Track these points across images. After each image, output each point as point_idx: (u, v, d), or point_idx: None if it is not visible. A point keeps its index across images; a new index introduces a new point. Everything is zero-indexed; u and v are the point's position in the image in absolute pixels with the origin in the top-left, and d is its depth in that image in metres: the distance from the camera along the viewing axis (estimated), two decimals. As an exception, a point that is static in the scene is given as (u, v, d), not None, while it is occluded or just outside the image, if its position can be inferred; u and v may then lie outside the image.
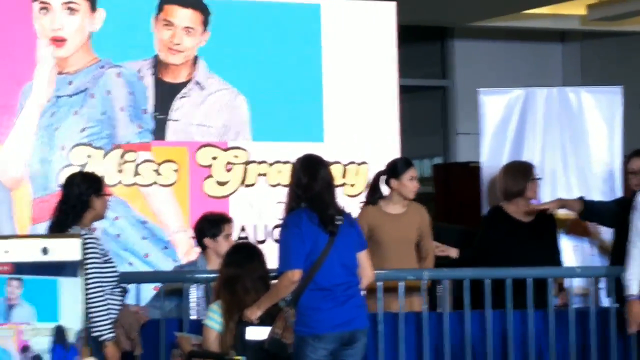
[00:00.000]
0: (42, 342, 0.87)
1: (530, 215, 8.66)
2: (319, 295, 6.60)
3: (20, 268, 0.90)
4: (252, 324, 6.59)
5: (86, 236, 6.53)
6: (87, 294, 6.76)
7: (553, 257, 8.70)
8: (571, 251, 9.52)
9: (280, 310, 6.61)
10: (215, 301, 6.89)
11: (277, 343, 6.51)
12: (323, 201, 6.60)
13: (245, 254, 6.93)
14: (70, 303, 0.88)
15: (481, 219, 9.32)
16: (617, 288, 8.07)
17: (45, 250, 0.90)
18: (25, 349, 0.86)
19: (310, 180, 6.56)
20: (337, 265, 6.64)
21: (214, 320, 6.72)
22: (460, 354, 8.18)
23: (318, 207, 6.57)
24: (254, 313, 6.43)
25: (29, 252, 0.90)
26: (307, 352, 6.59)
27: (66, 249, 0.90)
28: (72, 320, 0.88)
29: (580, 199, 8.83)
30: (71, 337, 0.91)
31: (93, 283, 6.47)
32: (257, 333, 6.55)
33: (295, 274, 6.45)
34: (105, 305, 6.65)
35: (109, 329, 6.65)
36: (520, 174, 8.56)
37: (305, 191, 6.54)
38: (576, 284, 9.00)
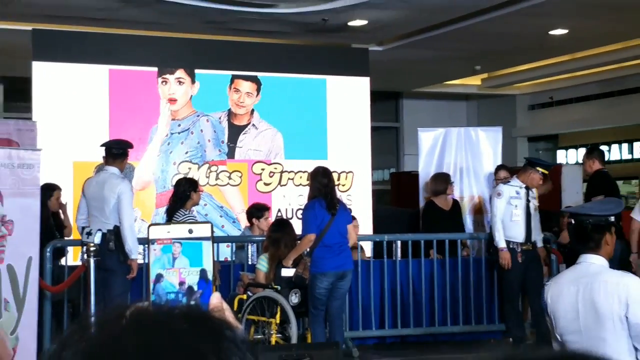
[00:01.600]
0: (192, 279, 1.18)
1: (448, 205, 10.05)
2: (325, 250, 7.80)
3: (177, 240, 1.36)
4: (285, 267, 7.90)
5: (187, 214, 7.94)
6: None
7: (460, 228, 10.10)
8: (471, 223, 10.88)
9: (302, 258, 7.84)
10: (263, 253, 8.16)
11: (299, 278, 7.84)
12: (331, 194, 7.86)
13: (283, 224, 8.39)
14: (208, 256, 1.25)
15: (418, 206, 10.68)
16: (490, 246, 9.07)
17: (190, 231, 1.25)
18: (182, 283, 1.26)
19: (328, 181, 7.87)
20: (336, 232, 7.82)
21: (263, 265, 8.07)
22: (406, 284, 9.40)
23: (327, 197, 7.80)
24: (288, 261, 7.83)
25: (182, 231, 1.33)
26: (317, 282, 7.74)
27: (202, 229, 1.28)
28: (209, 266, 1.26)
29: None
30: (209, 276, 1.39)
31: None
32: (288, 272, 7.90)
33: (312, 237, 7.73)
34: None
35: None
36: (442, 179, 10.16)
37: (325, 187, 7.80)
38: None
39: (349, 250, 8.04)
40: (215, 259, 8.00)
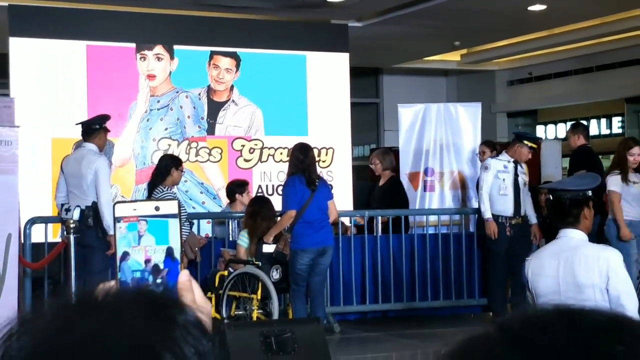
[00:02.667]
0: (158, 257, 2.26)
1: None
2: (305, 226, 7.85)
3: (143, 217, 2.27)
4: (266, 243, 7.94)
5: (165, 191, 8.05)
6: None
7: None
8: (451, 199, 11.03)
9: (282, 234, 7.88)
10: (244, 229, 8.25)
11: (280, 254, 7.89)
12: (310, 170, 7.88)
13: (261, 200, 8.56)
14: (174, 233, 2.32)
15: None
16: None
17: (157, 208, 2.38)
18: (148, 261, 2.28)
19: (304, 157, 7.88)
20: (315, 208, 7.89)
21: (243, 241, 8.17)
22: (387, 259, 9.44)
23: (306, 173, 7.83)
24: (269, 237, 7.88)
25: (148, 209, 2.37)
26: (297, 259, 7.81)
27: (169, 206, 2.33)
28: (175, 244, 2.37)
29: None
30: (175, 254, 2.40)
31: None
32: (268, 248, 7.94)
33: (292, 213, 7.79)
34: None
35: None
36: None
37: (301, 163, 7.83)
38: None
39: (329, 226, 8.13)
40: (193, 235, 8.47)
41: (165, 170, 8.11)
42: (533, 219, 9.10)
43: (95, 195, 7.59)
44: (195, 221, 9.06)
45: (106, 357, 0.85)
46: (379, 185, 10.00)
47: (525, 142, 8.94)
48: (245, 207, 8.60)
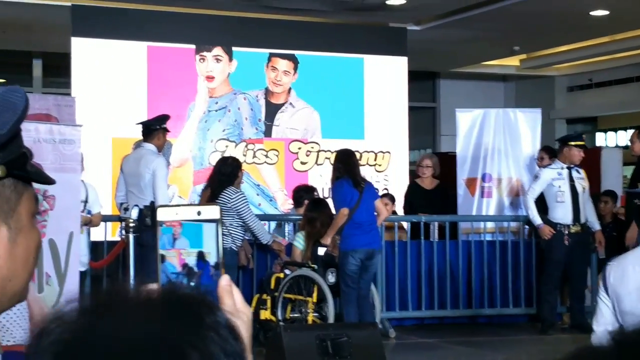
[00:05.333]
0: (191, 261, 2.30)
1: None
2: (355, 227, 7.88)
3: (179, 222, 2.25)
4: (323, 245, 7.98)
5: (239, 192, 7.96)
6: (250, 222, 7.56)
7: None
8: (508, 205, 10.89)
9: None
10: (300, 231, 8.33)
11: (329, 256, 7.98)
12: (354, 173, 7.97)
13: (319, 204, 8.51)
14: (209, 237, 2.39)
15: (455, 187, 10.67)
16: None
17: (199, 213, 2.49)
18: (184, 265, 2.27)
19: (348, 160, 8.03)
20: (364, 210, 7.90)
21: (299, 242, 8.23)
22: (443, 265, 9.44)
23: (352, 176, 7.92)
24: (326, 238, 7.95)
25: (190, 213, 2.39)
26: (348, 260, 7.83)
27: (211, 211, 2.37)
28: (209, 247, 1.06)
29: None
30: (208, 258, 1.08)
31: (251, 214, 7.85)
32: (321, 251, 8.03)
33: (345, 210, 7.81)
34: (260, 223, 7.91)
35: (268, 236, 8.03)
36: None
37: (345, 166, 7.96)
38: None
39: (378, 229, 8.16)
40: (246, 242, 8.35)
41: (233, 174, 8.07)
42: (596, 226, 8.98)
43: (152, 195, 7.66)
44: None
45: (133, 356, 0.86)
46: (428, 190, 9.98)
47: (571, 143, 8.82)
48: (304, 211, 8.57)
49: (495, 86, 16.22)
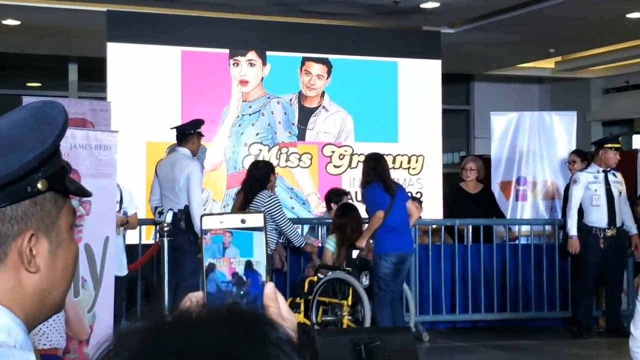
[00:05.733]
0: (241, 269, 2.33)
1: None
2: (388, 230, 7.92)
3: (228, 231, 2.48)
4: (356, 248, 8.02)
5: (273, 195, 8.11)
6: (283, 225, 7.78)
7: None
8: (544, 209, 10.83)
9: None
10: (331, 235, 8.39)
11: (363, 260, 8.05)
12: (385, 177, 8.00)
13: (348, 209, 8.54)
14: (259, 246, 1.10)
15: (490, 189, 10.55)
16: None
17: (243, 221, 1.13)
18: (234, 274, 2.29)
19: (377, 165, 8.05)
20: (397, 213, 7.94)
21: (330, 245, 8.29)
22: (477, 269, 9.38)
23: (382, 180, 7.96)
24: (362, 241, 8.01)
25: (234, 222, 1.11)
26: (381, 263, 7.87)
27: (255, 219, 1.13)
28: (259, 256, 1.10)
29: None
30: (257, 267, 1.11)
31: (284, 217, 7.97)
32: (354, 254, 8.10)
33: (381, 213, 7.84)
34: (293, 226, 8.02)
35: (301, 238, 8.11)
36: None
37: (375, 171, 7.99)
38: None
39: (410, 233, 8.20)
40: (280, 245, 8.47)
41: (265, 178, 8.12)
42: (633, 230, 8.95)
43: (187, 199, 7.69)
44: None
45: None
46: (472, 193, 9.94)
47: (606, 145, 8.78)
48: (333, 217, 8.63)
49: (530, 89, 16.14)
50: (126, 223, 7.16)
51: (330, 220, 8.82)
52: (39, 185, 1.29)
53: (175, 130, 8.09)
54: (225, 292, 1.20)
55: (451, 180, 12.86)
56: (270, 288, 1.17)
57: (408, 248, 8.02)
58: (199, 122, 8.08)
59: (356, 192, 10.83)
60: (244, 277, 1.21)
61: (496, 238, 9.74)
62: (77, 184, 1.39)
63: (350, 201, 9.68)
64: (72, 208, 1.39)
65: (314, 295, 7.89)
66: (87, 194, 1.44)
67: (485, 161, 10.98)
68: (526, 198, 10.91)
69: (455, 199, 10.01)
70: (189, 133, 7.91)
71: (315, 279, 8.05)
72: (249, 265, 1.22)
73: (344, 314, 7.75)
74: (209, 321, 0.93)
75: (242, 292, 1.20)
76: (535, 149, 10.94)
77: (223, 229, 1.24)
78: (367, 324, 7.57)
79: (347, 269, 7.94)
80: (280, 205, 8.00)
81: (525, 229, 10.05)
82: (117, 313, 6.73)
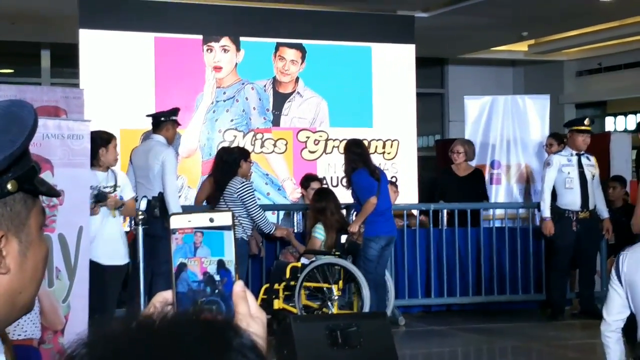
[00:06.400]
0: (212, 269, 1.09)
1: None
2: (377, 214, 8.04)
3: (198, 229, 1.12)
4: (344, 233, 8.10)
5: (245, 182, 8.04)
6: (253, 212, 7.73)
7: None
8: (518, 192, 10.95)
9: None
10: (317, 223, 8.31)
11: (353, 243, 8.13)
12: (369, 162, 8.16)
13: (325, 193, 8.61)
14: (229, 245, 1.11)
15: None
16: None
17: (211, 220, 1.13)
18: (204, 273, 1.07)
19: (362, 151, 8.22)
20: (383, 197, 8.09)
21: (320, 234, 8.30)
22: (452, 253, 9.47)
23: (367, 165, 8.06)
24: (355, 227, 8.05)
25: (202, 220, 1.12)
26: (371, 245, 8.01)
27: (224, 218, 1.13)
28: (229, 255, 1.12)
29: None
30: (228, 266, 1.12)
31: (255, 204, 7.95)
32: (343, 239, 8.18)
33: (374, 199, 7.95)
34: (264, 213, 7.98)
35: (270, 225, 8.07)
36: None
37: (360, 156, 8.11)
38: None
39: (393, 217, 8.36)
40: (255, 231, 8.38)
41: (235, 164, 8.12)
42: (604, 214, 9.00)
43: (161, 186, 7.69)
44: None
45: None
46: (460, 177, 9.90)
47: (574, 128, 8.84)
48: (311, 202, 8.65)
49: (504, 71, 16.18)
50: (122, 206, 7.09)
51: (306, 206, 8.91)
52: (9, 186, 1.28)
53: (150, 117, 8.04)
54: (197, 292, 1.20)
55: (426, 164, 12.87)
56: (239, 286, 1.18)
57: (394, 231, 8.17)
58: (174, 110, 8.06)
59: (331, 177, 11.01)
60: (217, 276, 1.22)
61: (482, 222, 9.79)
62: (47, 184, 1.38)
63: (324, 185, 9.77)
64: (42, 208, 1.38)
65: (301, 281, 7.89)
66: (57, 194, 1.45)
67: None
68: (500, 181, 11.01)
69: (445, 181, 10.01)
70: (163, 120, 7.87)
71: (299, 264, 8.06)
72: (221, 264, 1.22)
73: (334, 298, 7.79)
74: (172, 328, 0.94)
75: (216, 291, 1.21)
76: (509, 132, 11.03)
77: (192, 228, 1.24)
78: (367, 307, 7.67)
79: (337, 253, 8.02)
80: (253, 192, 8.00)
81: (499, 212, 10.10)
82: (111, 306, 6.80)
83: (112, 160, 7.09)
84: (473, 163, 10.60)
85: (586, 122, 8.96)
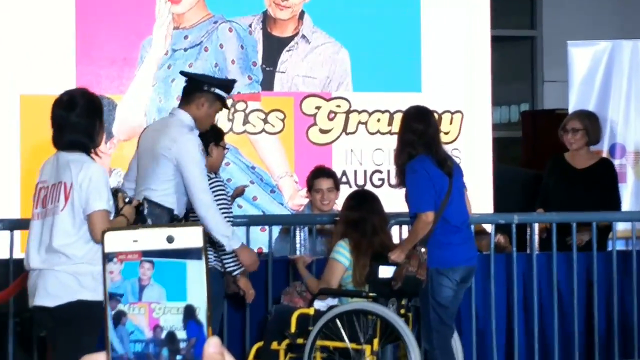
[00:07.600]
0: (170, 320, 1.23)
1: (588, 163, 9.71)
2: (450, 231, 7.78)
3: (148, 255, 1.27)
4: (385, 263, 7.72)
5: (214, 178, 7.77)
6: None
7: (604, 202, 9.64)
8: None
9: (413, 249, 7.69)
10: (342, 238, 8.01)
11: (412, 280, 7.63)
12: (437, 146, 7.87)
13: (366, 198, 8.33)
14: (197, 284, 1.23)
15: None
16: None
17: (170, 239, 1.25)
18: (156, 327, 1.22)
19: (426, 127, 7.81)
20: (462, 204, 7.89)
21: (343, 255, 7.93)
22: (548, 292, 9.11)
23: (433, 150, 7.77)
24: (399, 256, 7.63)
25: (157, 240, 1.25)
26: (443, 283, 7.71)
27: (190, 236, 1.26)
28: (199, 298, 1.23)
29: None
30: (198, 315, 1.24)
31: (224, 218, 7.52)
32: (385, 272, 7.73)
33: (429, 216, 7.62)
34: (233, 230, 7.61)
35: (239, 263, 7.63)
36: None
37: (421, 136, 7.74)
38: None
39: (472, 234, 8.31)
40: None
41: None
42: None
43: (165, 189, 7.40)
44: (241, 228, 8.56)
45: None
46: (578, 170, 9.60)
47: None
48: (323, 209, 8.79)
49: (631, 3, 15.33)
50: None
51: (319, 219, 8.85)
52: None
53: (184, 77, 7.71)
54: (144, 357, 1.26)
55: (505, 150, 12.27)
56: (213, 347, 1.28)
57: (475, 258, 8.04)
58: (226, 81, 7.98)
59: (355, 172, 10.77)
60: (180, 333, 1.29)
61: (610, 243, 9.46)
62: None
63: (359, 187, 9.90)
64: None
65: (314, 338, 7.57)
66: None
67: (559, 117, 10.57)
68: (625, 178, 10.56)
69: (556, 178, 9.68)
70: (203, 90, 7.38)
71: (310, 311, 7.82)
72: (188, 313, 1.29)
73: (365, 366, 7.53)
74: None
75: (178, 358, 1.28)
76: (639, 98, 10.60)
77: (139, 252, 1.31)
78: None
79: (372, 294, 7.73)
80: (223, 193, 7.69)
81: (622, 226, 9.63)
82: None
83: None
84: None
85: None
